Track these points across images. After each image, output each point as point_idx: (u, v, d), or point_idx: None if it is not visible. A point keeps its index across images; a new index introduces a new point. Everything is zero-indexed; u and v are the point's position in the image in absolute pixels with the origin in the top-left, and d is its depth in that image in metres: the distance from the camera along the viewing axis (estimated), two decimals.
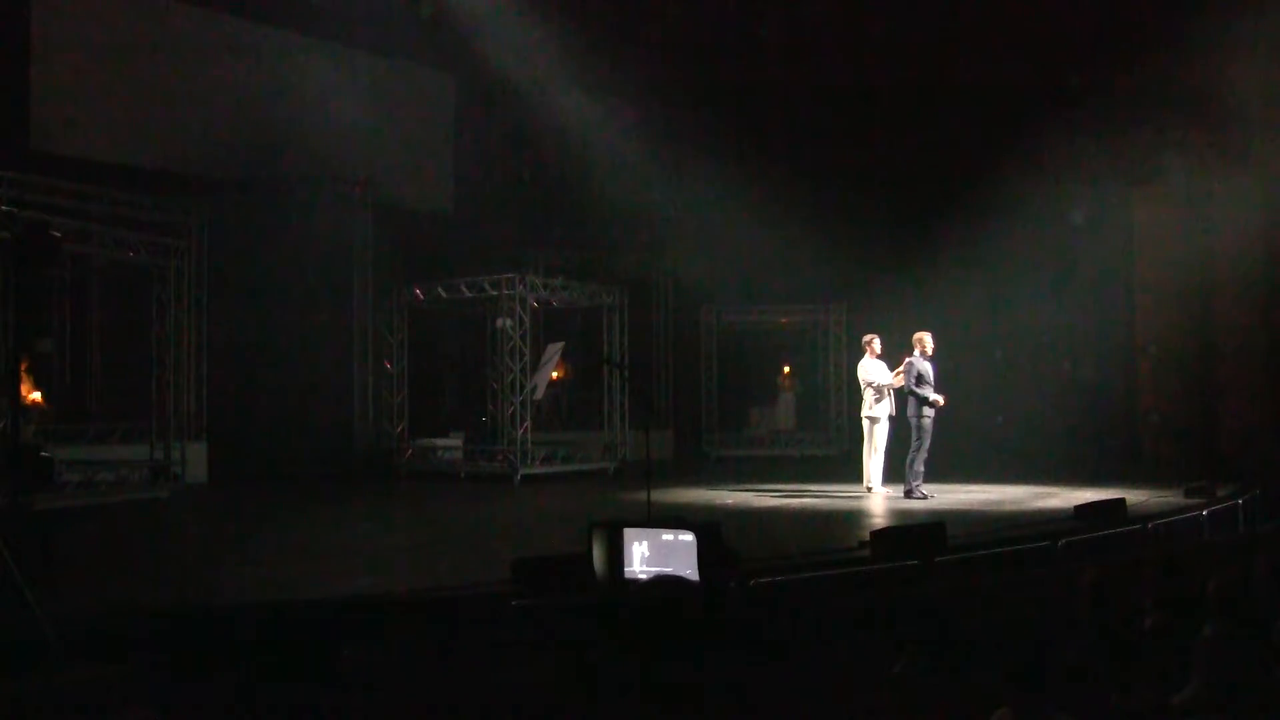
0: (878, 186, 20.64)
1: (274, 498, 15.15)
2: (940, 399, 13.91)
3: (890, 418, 14.50)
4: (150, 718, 4.99)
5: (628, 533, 7.75)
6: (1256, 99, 17.36)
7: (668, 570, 7.45)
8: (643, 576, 7.54)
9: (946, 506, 13.00)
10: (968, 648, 5.20)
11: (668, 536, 7.62)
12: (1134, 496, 12.57)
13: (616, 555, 7.72)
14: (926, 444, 13.84)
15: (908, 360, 14.04)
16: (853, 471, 15.41)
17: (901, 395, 14.34)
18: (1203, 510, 12.21)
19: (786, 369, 23.14)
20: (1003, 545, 10.10)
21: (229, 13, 18.46)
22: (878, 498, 14.17)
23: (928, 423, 13.84)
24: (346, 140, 18.91)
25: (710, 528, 7.68)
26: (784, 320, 22.88)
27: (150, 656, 6.28)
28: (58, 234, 11.12)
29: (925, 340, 14.04)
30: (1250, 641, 4.70)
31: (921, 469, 13.90)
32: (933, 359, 14.07)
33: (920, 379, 13.89)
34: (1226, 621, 4.82)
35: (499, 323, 18.45)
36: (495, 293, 18.18)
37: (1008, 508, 13.07)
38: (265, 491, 15.65)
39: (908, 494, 13.82)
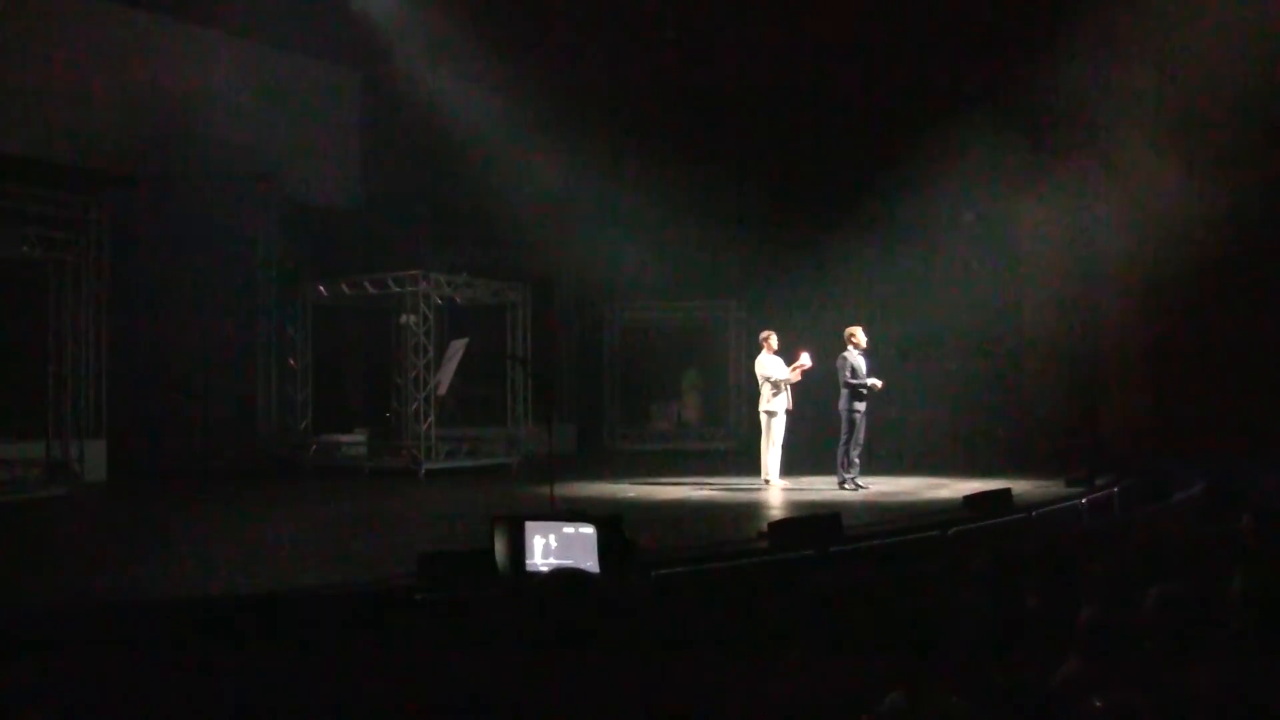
0: (773, 185, 20.90)
1: (176, 495, 14.97)
2: (878, 383, 14.34)
3: (787, 411, 14.78)
4: None
5: (529, 526, 7.84)
6: (1129, 104, 17.84)
7: (568, 563, 7.58)
8: (544, 569, 7.65)
9: (842, 498, 13.33)
10: (863, 634, 5.39)
11: (569, 529, 7.73)
12: (1019, 487, 12.94)
13: (518, 548, 7.80)
14: (859, 437, 14.28)
15: (841, 355, 14.38)
16: (752, 465, 15.68)
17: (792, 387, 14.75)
18: (1082, 499, 12.67)
19: (688, 365, 23.38)
20: (896, 535, 10.43)
21: (130, 6, 18.16)
22: (775, 490, 14.44)
23: (859, 416, 14.26)
24: (250, 136, 18.72)
25: (610, 520, 7.81)
26: (681, 315, 23.13)
27: (48, 657, 6.23)
28: None
29: (857, 334, 14.48)
30: (1124, 620, 4.91)
31: (857, 460, 14.28)
32: (866, 352, 14.46)
33: (854, 372, 14.26)
34: (1102, 602, 5.04)
35: (403, 319, 18.41)
36: (399, 289, 18.15)
37: (901, 499, 13.48)
38: (167, 489, 15.46)
39: (841, 485, 14.17)
